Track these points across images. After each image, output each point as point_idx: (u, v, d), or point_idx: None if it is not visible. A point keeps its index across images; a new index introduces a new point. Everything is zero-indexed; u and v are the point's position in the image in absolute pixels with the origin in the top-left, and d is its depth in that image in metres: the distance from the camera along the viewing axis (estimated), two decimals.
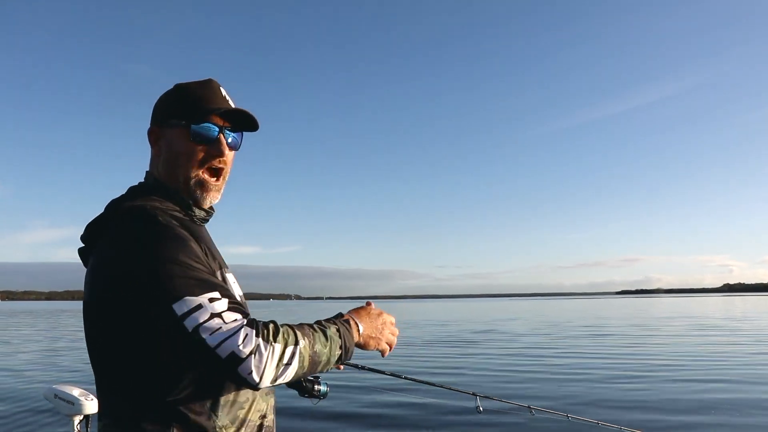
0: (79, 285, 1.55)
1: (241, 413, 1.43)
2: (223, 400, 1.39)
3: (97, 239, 1.47)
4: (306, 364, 1.34)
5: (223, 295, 1.31)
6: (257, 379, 1.24)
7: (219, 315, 1.26)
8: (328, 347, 1.40)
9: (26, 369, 15.20)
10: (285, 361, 1.28)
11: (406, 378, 2.87)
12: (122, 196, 1.57)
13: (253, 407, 1.46)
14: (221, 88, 1.63)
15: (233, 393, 1.41)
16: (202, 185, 1.57)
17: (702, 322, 35.39)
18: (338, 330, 1.46)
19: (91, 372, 1.45)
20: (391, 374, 2.90)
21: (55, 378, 12.76)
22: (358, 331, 1.55)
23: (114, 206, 1.51)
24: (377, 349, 1.62)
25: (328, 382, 1.93)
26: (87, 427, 4.02)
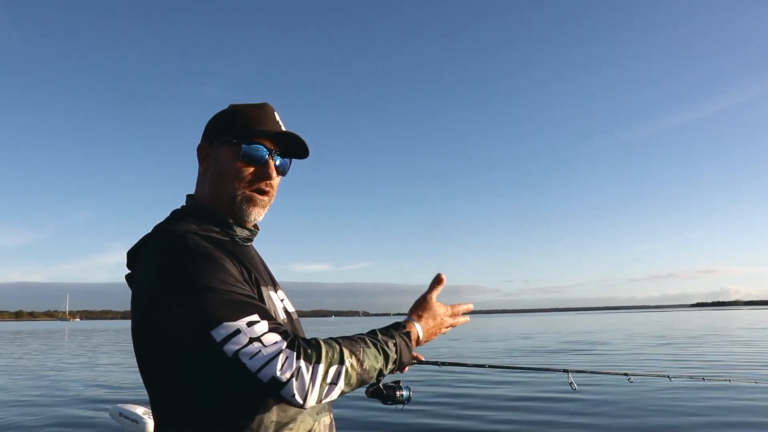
0: None
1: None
2: (266, 420, 1.38)
3: (135, 265, 1.49)
4: (354, 381, 1.34)
5: (263, 317, 1.30)
6: (301, 401, 1.24)
7: (258, 339, 1.25)
8: (380, 362, 1.41)
9: (94, 387, 15.29)
10: (329, 380, 1.28)
11: (490, 366, 2.82)
12: (164, 220, 1.57)
13: (300, 427, 1.45)
14: (275, 113, 1.62)
15: (276, 413, 1.40)
16: (250, 200, 1.56)
17: None
18: (395, 345, 1.46)
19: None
20: (474, 365, 2.85)
21: (122, 396, 12.86)
22: (418, 339, 1.56)
23: (152, 231, 1.52)
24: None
25: (410, 386, 1.88)
26: None
